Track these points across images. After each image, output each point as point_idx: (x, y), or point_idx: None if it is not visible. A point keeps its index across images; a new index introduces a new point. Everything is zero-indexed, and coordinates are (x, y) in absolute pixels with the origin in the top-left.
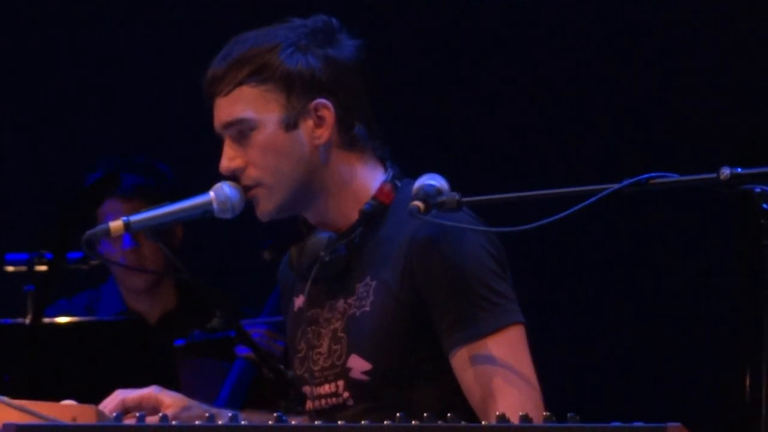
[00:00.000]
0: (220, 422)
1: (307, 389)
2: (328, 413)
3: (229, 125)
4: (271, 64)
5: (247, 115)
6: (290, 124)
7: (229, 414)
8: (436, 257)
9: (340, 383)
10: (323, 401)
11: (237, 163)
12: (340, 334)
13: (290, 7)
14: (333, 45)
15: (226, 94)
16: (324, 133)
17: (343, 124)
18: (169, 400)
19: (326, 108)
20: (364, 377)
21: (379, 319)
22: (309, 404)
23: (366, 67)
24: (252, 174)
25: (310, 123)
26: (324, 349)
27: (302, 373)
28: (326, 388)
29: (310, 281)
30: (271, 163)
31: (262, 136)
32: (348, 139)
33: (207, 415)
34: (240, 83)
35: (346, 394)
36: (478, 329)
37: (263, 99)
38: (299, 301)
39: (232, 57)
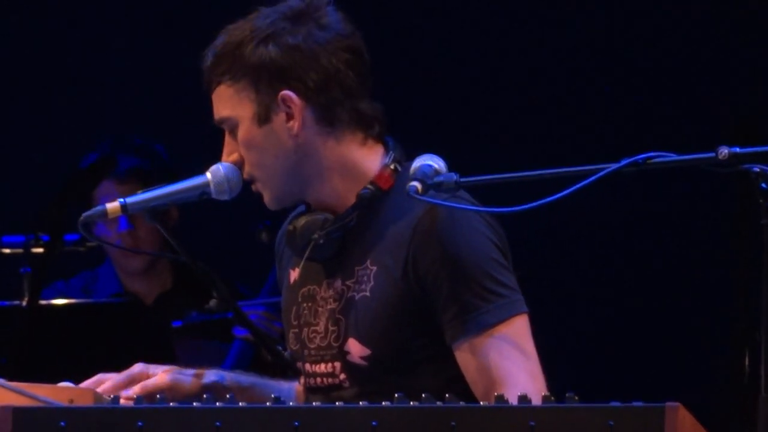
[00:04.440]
0: (205, 381)
1: (300, 365)
2: (323, 392)
3: (218, 122)
4: (238, 61)
5: (227, 114)
6: (262, 119)
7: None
8: (439, 248)
9: (337, 365)
10: (319, 380)
11: (233, 158)
12: (338, 316)
13: None
14: (298, 29)
15: (212, 91)
16: (295, 125)
17: (318, 108)
18: (158, 370)
19: (291, 99)
20: (362, 362)
21: (379, 305)
22: (302, 380)
23: (349, 43)
24: (246, 169)
25: (281, 115)
26: (321, 328)
27: (297, 349)
28: (322, 367)
29: (304, 260)
30: (254, 159)
31: (242, 133)
32: (329, 122)
33: (205, 396)
34: (218, 82)
35: (342, 376)
36: (482, 321)
37: (237, 97)
38: (294, 274)
39: (212, 54)
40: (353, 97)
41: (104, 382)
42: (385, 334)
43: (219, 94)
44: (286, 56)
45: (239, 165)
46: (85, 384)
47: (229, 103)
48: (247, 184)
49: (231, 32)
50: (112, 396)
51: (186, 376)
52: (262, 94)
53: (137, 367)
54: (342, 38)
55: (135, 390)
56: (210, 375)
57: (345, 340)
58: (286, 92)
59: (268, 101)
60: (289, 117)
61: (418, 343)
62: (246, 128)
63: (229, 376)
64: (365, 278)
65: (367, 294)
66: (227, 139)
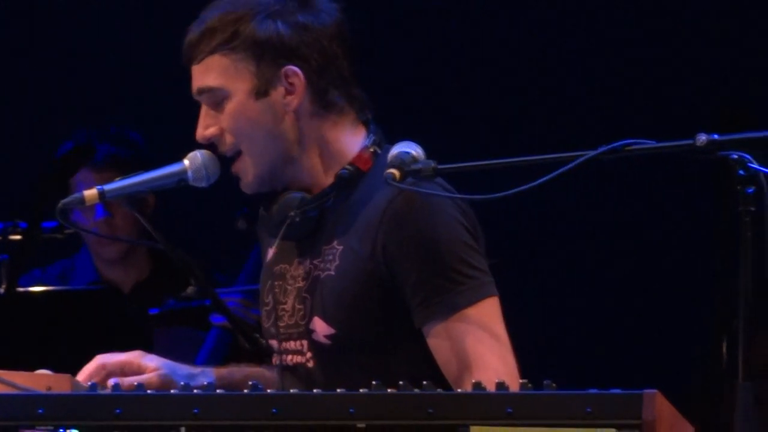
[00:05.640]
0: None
1: (273, 343)
2: (292, 370)
3: (202, 92)
4: (241, 33)
5: (218, 84)
6: (260, 92)
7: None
8: (409, 231)
9: (304, 342)
10: (289, 357)
11: (212, 131)
12: (305, 295)
13: None
14: (306, 10)
15: (199, 62)
16: (294, 101)
17: (316, 89)
18: (153, 364)
19: (296, 75)
20: (326, 341)
21: (343, 285)
22: (275, 359)
23: (343, 30)
24: (228, 141)
25: (281, 90)
26: (289, 306)
27: (269, 326)
28: (291, 345)
29: (279, 238)
30: (245, 131)
31: (234, 104)
32: (322, 104)
33: (182, 383)
34: (212, 52)
35: (308, 354)
36: (453, 303)
37: (234, 68)
38: (271, 254)
39: (204, 25)
40: (347, 83)
41: (105, 365)
42: (348, 314)
43: (209, 65)
44: (294, 34)
45: (216, 139)
46: (86, 369)
47: (223, 74)
48: (225, 171)
49: (228, 5)
50: (89, 383)
51: (177, 377)
52: (264, 68)
53: (133, 354)
54: (341, 26)
55: (123, 384)
56: (201, 377)
57: (311, 319)
58: (292, 68)
59: (269, 75)
60: (288, 93)
61: (383, 324)
62: (240, 100)
63: (221, 376)
64: (331, 257)
65: (332, 273)
66: (204, 111)
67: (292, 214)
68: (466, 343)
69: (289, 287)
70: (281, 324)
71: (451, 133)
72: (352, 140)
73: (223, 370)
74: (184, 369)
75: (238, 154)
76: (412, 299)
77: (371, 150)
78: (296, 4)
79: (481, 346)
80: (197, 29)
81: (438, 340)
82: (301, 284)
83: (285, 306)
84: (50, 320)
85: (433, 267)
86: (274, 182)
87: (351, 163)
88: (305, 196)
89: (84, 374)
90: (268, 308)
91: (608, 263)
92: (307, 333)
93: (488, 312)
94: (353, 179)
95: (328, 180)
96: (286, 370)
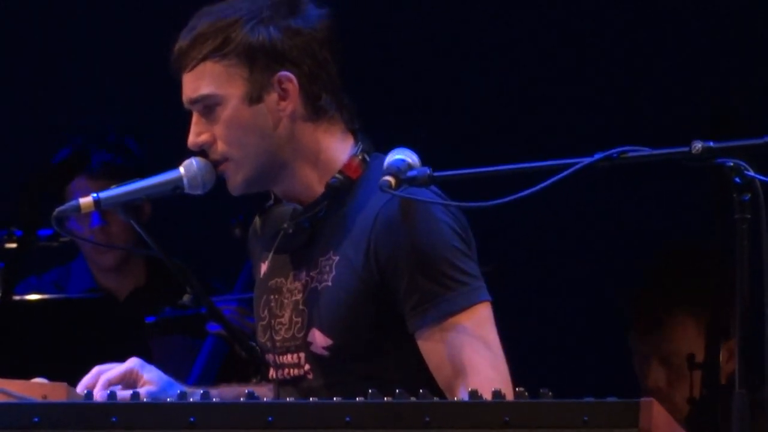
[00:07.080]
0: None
1: (270, 357)
2: (291, 383)
3: (194, 101)
4: (232, 39)
5: (211, 91)
6: (254, 98)
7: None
8: (400, 237)
9: (302, 355)
10: (286, 371)
11: (204, 138)
12: (302, 307)
13: None
14: (296, 15)
15: (190, 70)
16: (288, 106)
17: (308, 95)
18: (148, 377)
19: (289, 80)
20: (325, 352)
21: (340, 295)
22: (272, 373)
23: (333, 36)
24: (219, 149)
25: (274, 96)
26: (286, 319)
27: (265, 341)
28: (288, 358)
29: (273, 251)
30: (237, 138)
31: (227, 111)
32: (314, 110)
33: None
34: (203, 59)
35: (307, 367)
36: (445, 308)
37: (226, 74)
38: (264, 267)
39: (195, 32)
40: (337, 90)
41: (110, 381)
42: (346, 324)
43: (201, 72)
44: (286, 39)
45: (208, 147)
46: (85, 379)
47: (215, 80)
48: (220, 179)
49: (218, 12)
50: (85, 391)
51: (168, 394)
52: (257, 73)
53: (132, 362)
54: (330, 31)
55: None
56: (195, 397)
57: (308, 331)
58: (285, 73)
59: (262, 81)
60: (281, 98)
61: (380, 332)
62: (234, 106)
63: (216, 396)
64: (327, 268)
65: (329, 284)
66: (196, 119)
67: (285, 225)
68: (458, 349)
69: (285, 300)
70: (278, 338)
71: (445, 140)
72: (342, 148)
73: (214, 391)
74: (176, 387)
75: (227, 158)
76: (405, 305)
77: (360, 158)
78: (286, 9)
79: (472, 352)
80: (187, 36)
81: (430, 346)
82: (298, 297)
83: (282, 319)
84: (46, 328)
85: (424, 272)
86: (262, 185)
87: (341, 172)
88: (297, 208)
89: (83, 386)
90: (263, 323)
91: (603, 271)
92: (305, 345)
93: (480, 317)
94: (344, 188)
95: (319, 189)
96: (284, 383)
